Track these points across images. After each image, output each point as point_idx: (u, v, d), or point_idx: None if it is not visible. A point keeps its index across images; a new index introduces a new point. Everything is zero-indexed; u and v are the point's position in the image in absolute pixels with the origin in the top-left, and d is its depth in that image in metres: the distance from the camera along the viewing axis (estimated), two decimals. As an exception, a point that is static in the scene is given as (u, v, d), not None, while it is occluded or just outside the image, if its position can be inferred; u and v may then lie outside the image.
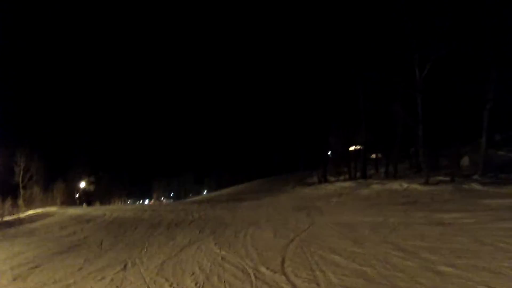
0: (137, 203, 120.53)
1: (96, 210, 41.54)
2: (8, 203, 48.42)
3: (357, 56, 40.43)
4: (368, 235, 13.44)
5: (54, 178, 62.65)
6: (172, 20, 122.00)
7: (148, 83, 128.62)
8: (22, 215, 44.74)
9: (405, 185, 28.61)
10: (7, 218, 43.00)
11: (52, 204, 56.18)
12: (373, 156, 50.57)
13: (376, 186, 30.24)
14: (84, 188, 67.62)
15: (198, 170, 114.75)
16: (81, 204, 65.38)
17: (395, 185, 29.19)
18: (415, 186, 27.72)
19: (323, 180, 46.30)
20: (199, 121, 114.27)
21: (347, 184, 35.45)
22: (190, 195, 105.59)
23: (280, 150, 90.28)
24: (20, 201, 54.11)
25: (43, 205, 55.56)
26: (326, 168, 48.76)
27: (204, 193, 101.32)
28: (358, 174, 42.74)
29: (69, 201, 59.92)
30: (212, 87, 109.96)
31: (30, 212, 48.57)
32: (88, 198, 72.09)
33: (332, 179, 46.50)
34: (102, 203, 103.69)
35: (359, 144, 50.10)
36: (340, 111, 46.78)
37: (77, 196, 65.19)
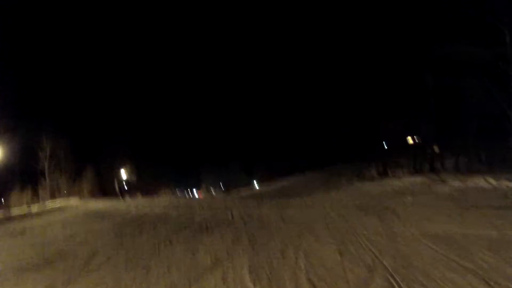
0: (185, 195, 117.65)
1: (126, 204, 36.61)
2: (28, 194, 43.05)
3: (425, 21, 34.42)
4: (496, 264, 8.31)
5: (84, 166, 57.03)
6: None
7: (195, 69, 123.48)
8: (35, 208, 39.20)
9: (493, 181, 22.56)
10: (17, 211, 37.43)
11: (80, 195, 50.49)
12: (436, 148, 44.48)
13: (455, 183, 24.36)
14: (125, 178, 62.51)
15: (247, 159, 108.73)
16: (122, 196, 60.58)
17: (480, 181, 23.14)
18: (506, 183, 21.62)
19: (383, 173, 40.55)
20: (247, 106, 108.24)
21: (417, 179, 29.52)
22: (241, 187, 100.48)
23: (333, 138, 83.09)
24: (43, 191, 48.17)
25: (68, 196, 50.45)
26: (386, 160, 42.76)
27: (254, 184, 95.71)
28: (425, 167, 36.71)
29: (100, 192, 54.55)
30: (258, 73, 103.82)
31: (49, 204, 43.57)
32: (129, 189, 67.33)
33: (392, 173, 40.80)
34: (146, 194, 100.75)
35: (419, 134, 45.55)
36: (396, 95, 41.47)
37: (117, 187, 60.09)
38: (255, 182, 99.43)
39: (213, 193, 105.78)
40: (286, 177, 68.70)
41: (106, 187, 58.07)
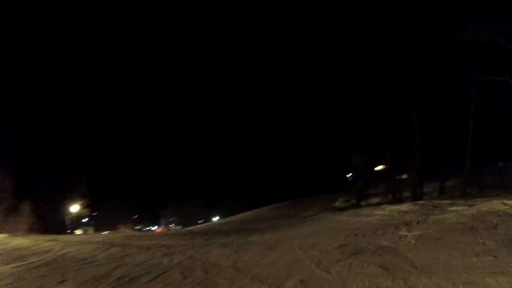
0: (145, 229, 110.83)
1: (59, 242, 29.32)
2: None
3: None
4: None
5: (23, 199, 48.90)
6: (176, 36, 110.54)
7: (156, 102, 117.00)
8: None
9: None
10: None
11: (16, 229, 42.47)
12: (404, 176, 41.24)
13: (458, 208, 18.67)
14: (78, 212, 55.20)
15: (209, 195, 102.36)
16: (72, 231, 53.58)
17: (496, 204, 17.52)
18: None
19: (357, 204, 35.85)
20: (208, 143, 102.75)
21: (403, 207, 23.90)
22: (200, 221, 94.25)
23: (295, 173, 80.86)
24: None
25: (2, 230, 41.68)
26: (362, 190, 38.15)
27: (216, 219, 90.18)
28: (405, 194, 32.24)
29: (43, 228, 46.83)
30: (222, 108, 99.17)
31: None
32: (79, 224, 59.77)
33: (366, 202, 37.73)
34: (102, 229, 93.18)
35: (388, 162, 41.83)
36: (364, 125, 40.54)
37: (69, 222, 52.90)
38: (217, 217, 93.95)
39: (173, 228, 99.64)
40: (248, 210, 62.69)
41: (51, 222, 50.33)
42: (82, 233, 54.66)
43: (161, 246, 20.34)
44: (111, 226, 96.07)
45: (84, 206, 56.14)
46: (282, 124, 76.43)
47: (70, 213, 52.84)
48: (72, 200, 52.99)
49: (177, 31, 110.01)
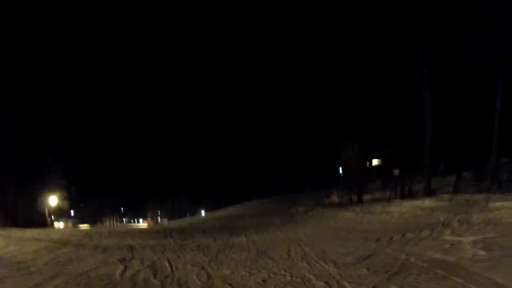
0: (130, 224, 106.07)
1: (4, 237, 24.00)
2: None
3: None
4: None
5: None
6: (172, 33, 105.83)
7: (144, 94, 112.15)
8: None
9: None
10: None
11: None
12: (396, 172, 36.08)
13: (504, 205, 14.00)
14: (57, 205, 50.03)
15: (195, 189, 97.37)
16: (51, 224, 48.73)
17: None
18: None
19: (360, 199, 31.59)
20: (195, 138, 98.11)
21: (426, 203, 19.26)
22: (187, 215, 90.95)
23: (281, 169, 75.22)
24: None
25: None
26: (361, 185, 33.80)
27: (202, 214, 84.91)
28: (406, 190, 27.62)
29: (16, 221, 41.84)
30: (209, 100, 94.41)
31: None
32: (60, 217, 54.71)
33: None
34: (86, 222, 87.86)
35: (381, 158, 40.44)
36: (354, 120, 36.02)
37: (47, 214, 47.72)
38: (202, 211, 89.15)
39: (159, 222, 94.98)
40: (233, 205, 58.05)
41: (28, 215, 45.17)
42: (58, 228, 49.49)
43: (123, 247, 15.76)
44: (97, 219, 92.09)
45: (63, 199, 50.83)
46: (270, 118, 71.60)
47: (49, 206, 47.66)
48: (51, 192, 47.93)
49: (174, 29, 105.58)
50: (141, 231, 22.76)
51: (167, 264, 11.52)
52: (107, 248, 15.52)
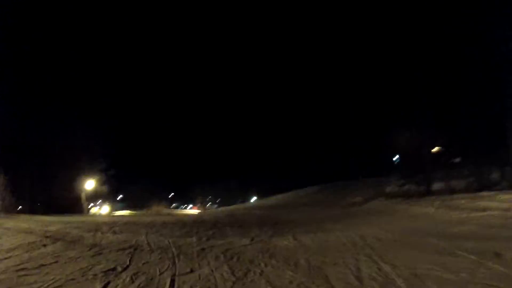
0: (178, 209, 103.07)
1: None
2: None
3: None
4: None
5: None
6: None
7: (189, 82, 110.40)
8: None
9: None
10: None
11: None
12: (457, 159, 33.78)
13: None
14: (94, 190, 46.76)
15: (246, 174, 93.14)
16: (88, 209, 45.67)
17: None
18: None
19: (428, 190, 26.45)
20: (244, 122, 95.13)
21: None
22: (239, 201, 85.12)
23: (333, 154, 69.93)
24: None
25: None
26: (430, 173, 29.46)
27: (253, 199, 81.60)
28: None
29: (49, 205, 38.62)
30: (256, 85, 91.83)
31: None
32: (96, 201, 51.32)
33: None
34: (135, 207, 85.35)
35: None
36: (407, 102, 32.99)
37: (84, 199, 44.56)
38: (254, 197, 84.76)
39: (207, 208, 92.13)
40: (284, 193, 53.25)
41: (60, 200, 42.05)
42: (93, 213, 46.21)
43: (125, 249, 11.48)
44: (144, 204, 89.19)
45: (102, 183, 47.39)
46: (320, 101, 67.61)
47: (85, 190, 44.38)
48: (88, 176, 44.64)
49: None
50: (162, 225, 18.46)
51: (168, 285, 7.21)
52: (103, 249, 11.34)
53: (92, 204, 50.10)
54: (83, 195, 44.30)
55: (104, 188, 48.25)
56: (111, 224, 18.33)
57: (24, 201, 36.34)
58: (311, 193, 43.70)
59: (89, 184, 44.62)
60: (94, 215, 43.01)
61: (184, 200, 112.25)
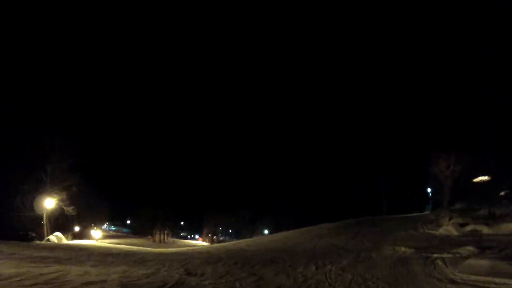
0: (187, 240, 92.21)
1: None
2: None
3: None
4: None
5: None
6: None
7: (207, 106, 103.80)
8: None
9: None
10: None
11: None
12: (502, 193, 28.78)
13: None
14: (53, 211, 34.04)
15: (256, 206, 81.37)
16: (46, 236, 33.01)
17: None
18: None
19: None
20: (257, 150, 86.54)
21: None
22: (253, 233, 74.12)
23: (352, 187, 59.75)
24: None
25: None
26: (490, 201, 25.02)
27: (265, 232, 72.07)
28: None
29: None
30: (281, 109, 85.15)
31: None
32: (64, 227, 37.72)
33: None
34: (138, 234, 75.38)
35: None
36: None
37: (45, 222, 32.72)
38: (266, 230, 74.64)
39: (214, 240, 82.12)
40: (298, 227, 40.85)
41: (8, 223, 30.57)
42: (48, 242, 32.79)
43: None
44: (148, 231, 78.56)
45: (67, 202, 34.74)
46: (339, 127, 60.37)
47: (46, 211, 32.72)
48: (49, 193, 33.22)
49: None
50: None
51: None
52: None
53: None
54: (45, 218, 33.17)
55: (72, 210, 35.59)
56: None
57: None
58: (329, 231, 31.28)
59: (49, 203, 32.94)
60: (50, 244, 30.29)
61: (194, 229, 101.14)
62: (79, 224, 48.67)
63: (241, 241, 40.32)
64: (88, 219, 53.12)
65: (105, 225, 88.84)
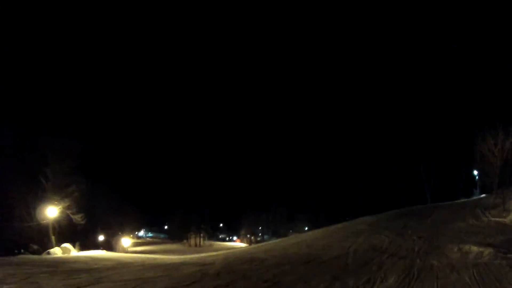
0: (225, 241, 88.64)
1: None
2: None
3: None
4: None
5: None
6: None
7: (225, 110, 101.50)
8: None
9: None
10: None
11: None
12: None
13: None
14: (57, 219, 29.43)
15: (291, 203, 76.70)
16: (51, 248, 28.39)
17: None
18: None
19: None
20: (293, 143, 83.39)
21: None
22: (290, 231, 70.86)
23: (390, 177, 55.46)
24: None
25: None
26: None
27: (305, 229, 65.28)
28: None
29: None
30: (311, 104, 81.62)
31: None
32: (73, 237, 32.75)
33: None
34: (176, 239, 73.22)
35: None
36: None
37: (51, 232, 28.67)
38: (306, 227, 68.57)
39: (252, 240, 77.71)
40: (338, 222, 36.21)
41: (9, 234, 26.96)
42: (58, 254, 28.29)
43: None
44: (183, 235, 75.33)
45: (73, 211, 30.49)
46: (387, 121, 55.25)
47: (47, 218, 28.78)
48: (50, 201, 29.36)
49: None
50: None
51: None
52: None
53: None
54: (51, 228, 29.40)
55: (80, 218, 31.26)
56: None
57: None
58: (371, 226, 26.17)
59: (52, 212, 28.95)
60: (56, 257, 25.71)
61: (233, 231, 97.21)
62: (104, 233, 45.33)
63: (263, 244, 36.27)
64: (115, 227, 49.68)
65: (142, 231, 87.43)
